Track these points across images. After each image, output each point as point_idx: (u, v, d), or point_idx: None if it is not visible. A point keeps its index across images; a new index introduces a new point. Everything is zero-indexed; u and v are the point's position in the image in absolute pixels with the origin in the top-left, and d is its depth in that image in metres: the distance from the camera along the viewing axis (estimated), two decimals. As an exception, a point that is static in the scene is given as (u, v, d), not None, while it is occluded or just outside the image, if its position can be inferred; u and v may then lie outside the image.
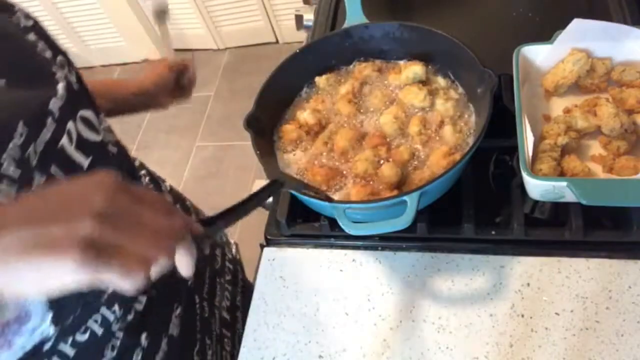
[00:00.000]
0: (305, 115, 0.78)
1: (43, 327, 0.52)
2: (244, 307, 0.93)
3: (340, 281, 0.71)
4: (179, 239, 0.39)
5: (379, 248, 0.73)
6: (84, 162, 0.55)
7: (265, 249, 0.76)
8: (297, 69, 0.83)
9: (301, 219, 0.76)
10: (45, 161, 0.49)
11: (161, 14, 0.92)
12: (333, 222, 0.69)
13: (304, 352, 0.66)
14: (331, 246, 0.74)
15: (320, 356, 0.66)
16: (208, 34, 2.53)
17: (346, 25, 0.84)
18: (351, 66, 0.85)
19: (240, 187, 1.90)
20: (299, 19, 1.07)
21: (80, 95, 0.58)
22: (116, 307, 0.61)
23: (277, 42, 2.53)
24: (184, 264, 0.39)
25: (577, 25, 0.71)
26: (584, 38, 0.72)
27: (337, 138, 0.75)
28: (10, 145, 0.44)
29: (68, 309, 0.54)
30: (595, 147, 0.69)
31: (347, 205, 0.63)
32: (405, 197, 0.61)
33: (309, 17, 1.06)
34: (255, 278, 0.74)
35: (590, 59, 0.73)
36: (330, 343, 0.66)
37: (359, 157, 0.72)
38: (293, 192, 0.69)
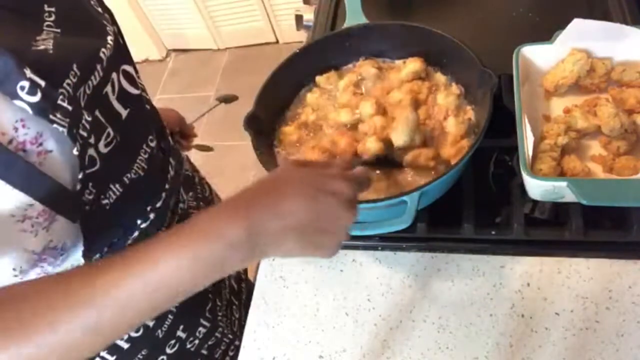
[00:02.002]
0: (306, 114, 0.78)
1: (75, 257, 0.59)
2: (247, 282, 1.01)
3: (340, 281, 0.71)
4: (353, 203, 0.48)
5: (379, 248, 0.73)
6: (123, 112, 0.60)
7: (265, 249, 0.76)
8: (297, 69, 0.83)
9: (301, 219, 0.76)
10: (91, 104, 0.53)
11: (230, 100, 1.11)
12: (333, 222, 0.68)
13: (304, 352, 0.66)
14: (331, 246, 0.74)
15: (320, 356, 0.66)
16: (208, 34, 2.53)
17: (346, 25, 0.84)
18: (351, 65, 0.85)
19: (240, 187, 1.90)
20: (299, 19, 1.07)
21: (124, 50, 0.62)
22: None
23: (277, 42, 2.52)
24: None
25: (577, 25, 0.71)
26: (584, 38, 0.72)
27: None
28: (65, 83, 0.49)
29: (96, 245, 0.61)
30: (595, 147, 0.69)
31: (347, 205, 0.62)
32: (405, 197, 0.61)
33: (309, 17, 1.06)
34: (255, 278, 0.74)
35: (590, 59, 0.72)
36: (330, 343, 0.66)
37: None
38: None
